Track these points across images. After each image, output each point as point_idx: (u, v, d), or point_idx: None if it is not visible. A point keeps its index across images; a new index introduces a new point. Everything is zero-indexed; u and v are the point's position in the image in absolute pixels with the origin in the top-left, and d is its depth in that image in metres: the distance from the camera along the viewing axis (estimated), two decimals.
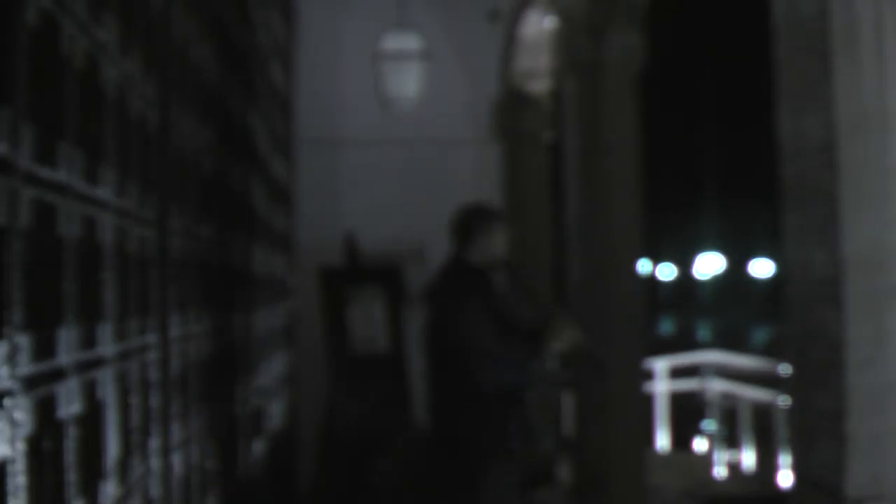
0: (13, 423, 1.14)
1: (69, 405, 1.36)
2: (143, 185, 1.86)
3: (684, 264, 35.31)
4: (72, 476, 1.36)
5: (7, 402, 1.13)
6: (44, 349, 1.26)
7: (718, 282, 34.70)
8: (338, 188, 7.26)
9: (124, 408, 1.68)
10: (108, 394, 1.58)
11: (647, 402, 7.41)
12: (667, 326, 31.09)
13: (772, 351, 12.59)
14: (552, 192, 7.36)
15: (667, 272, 36.26)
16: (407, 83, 6.39)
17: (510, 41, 7.28)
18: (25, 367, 1.19)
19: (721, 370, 8.39)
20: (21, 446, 1.16)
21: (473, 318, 3.54)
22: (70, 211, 1.38)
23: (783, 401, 6.77)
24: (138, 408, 1.79)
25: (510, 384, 3.57)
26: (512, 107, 7.39)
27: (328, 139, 7.18)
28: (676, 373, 8.86)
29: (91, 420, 1.47)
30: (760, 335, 24.85)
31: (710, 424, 8.10)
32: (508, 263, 3.89)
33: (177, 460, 2.14)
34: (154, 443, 1.93)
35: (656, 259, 33.67)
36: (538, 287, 4.20)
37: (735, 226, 30.91)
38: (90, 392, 1.47)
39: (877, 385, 2.76)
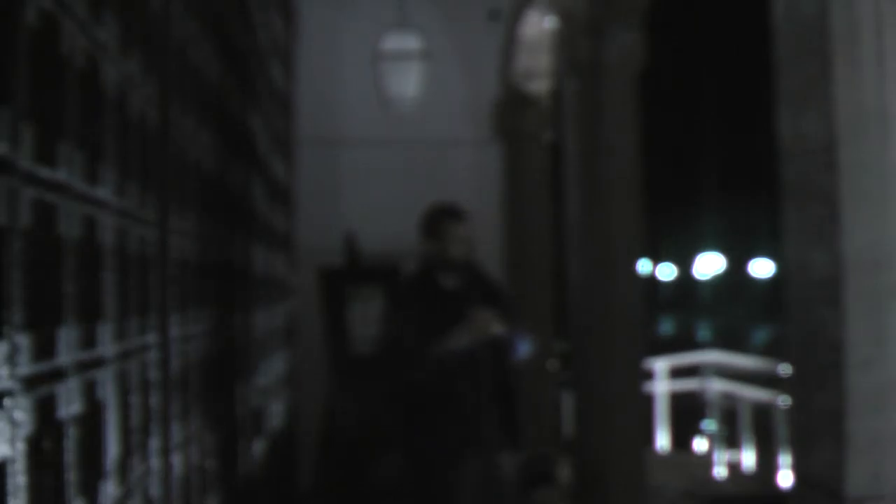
0: (13, 423, 1.14)
1: (69, 405, 1.36)
2: (143, 185, 1.86)
3: (684, 264, 35.33)
4: (72, 476, 1.36)
5: (7, 402, 1.13)
6: (44, 349, 1.26)
7: (718, 282, 34.71)
8: (338, 188, 7.26)
9: (124, 408, 1.68)
10: (108, 394, 1.58)
11: (647, 402, 7.41)
12: (667, 326, 31.10)
13: (772, 351, 12.60)
14: (552, 191, 7.36)
15: (667, 272, 36.28)
16: (407, 83, 6.39)
17: (510, 41, 7.28)
18: (25, 367, 1.19)
19: (721, 370, 8.39)
20: (21, 446, 1.16)
21: (397, 317, 3.65)
22: (70, 211, 1.38)
23: (783, 401, 6.77)
24: (138, 408, 1.79)
25: (411, 378, 3.58)
26: (512, 107, 7.39)
27: (328, 139, 7.18)
28: (676, 373, 8.86)
29: (91, 420, 1.47)
30: (760, 335, 24.86)
31: (710, 424, 8.10)
32: (467, 263, 3.80)
33: (177, 460, 2.14)
34: (154, 443, 1.93)
35: (656, 259, 33.69)
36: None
37: (735, 226, 30.93)
38: (90, 392, 1.47)
39: (877, 385, 2.76)
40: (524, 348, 3.80)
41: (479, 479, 3.56)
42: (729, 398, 8.03)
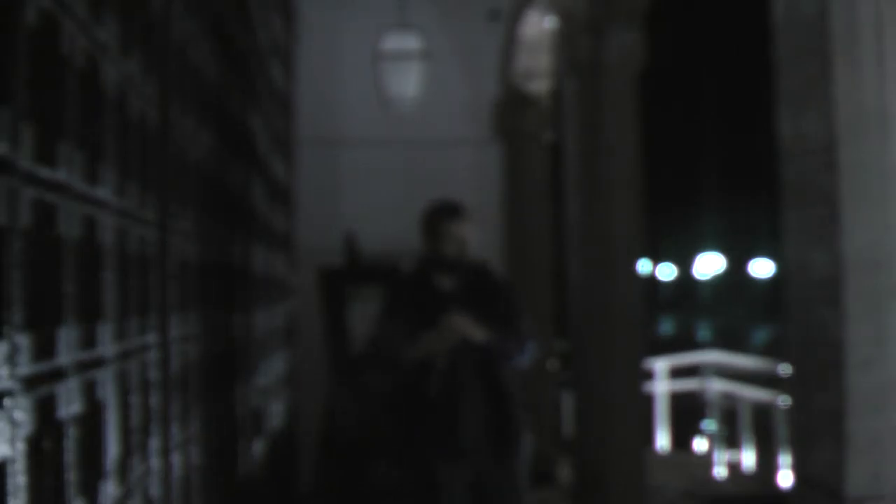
0: (13, 423, 1.14)
1: (69, 405, 1.36)
2: (143, 185, 1.86)
3: (684, 264, 35.32)
4: (72, 476, 1.36)
5: (7, 402, 1.13)
6: (44, 349, 1.26)
7: (718, 282, 34.71)
8: (338, 188, 7.26)
9: (124, 408, 1.68)
10: (108, 394, 1.58)
11: (647, 402, 7.41)
12: (667, 326, 31.10)
13: (772, 351, 12.60)
14: (552, 191, 7.36)
15: (667, 272, 36.27)
16: (407, 83, 6.39)
17: (510, 41, 7.28)
18: (25, 367, 1.19)
19: (721, 370, 8.39)
20: (21, 446, 1.16)
21: (380, 320, 3.59)
22: (70, 211, 1.38)
23: (783, 401, 6.77)
24: (138, 408, 1.79)
25: (379, 382, 3.59)
26: (512, 107, 7.39)
27: (328, 139, 7.18)
28: (676, 373, 8.86)
29: (91, 420, 1.47)
30: (760, 335, 24.86)
31: (710, 424, 8.10)
32: (468, 262, 3.61)
33: (177, 460, 2.14)
34: (154, 443, 1.93)
35: (656, 259, 33.68)
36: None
37: (735, 226, 30.93)
38: (90, 392, 1.47)
39: (877, 385, 2.76)
40: (525, 354, 3.58)
41: (466, 485, 3.45)
42: (729, 398, 8.03)
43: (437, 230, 3.59)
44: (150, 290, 1.93)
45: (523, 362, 3.61)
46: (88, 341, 1.47)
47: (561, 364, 7.46)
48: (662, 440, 8.55)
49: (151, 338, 1.92)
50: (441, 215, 3.61)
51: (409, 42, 6.37)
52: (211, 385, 2.63)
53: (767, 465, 7.26)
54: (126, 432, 1.69)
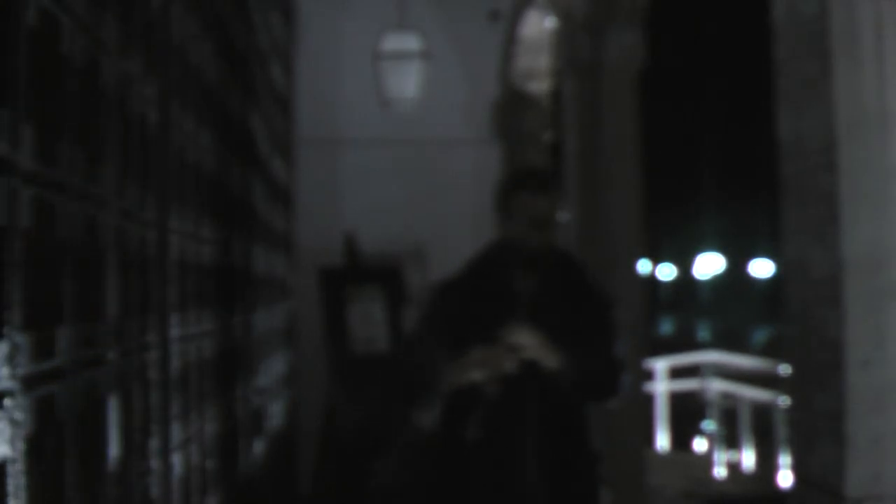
0: (13, 423, 1.14)
1: (69, 405, 1.36)
2: (143, 185, 1.86)
3: (684, 264, 35.30)
4: (72, 476, 1.36)
5: (7, 402, 1.12)
6: (44, 349, 1.26)
7: (718, 282, 34.70)
8: (338, 188, 7.26)
9: (124, 408, 1.68)
10: (108, 394, 1.58)
11: (647, 402, 7.41)
12: (667, 326, 31.09)
13: (771, 351, 12.59)
14: None
15: (667, 272, 36.25)
16: (407, 83, 6.39)
17: (510, 41, 7.28)
18: (25, 367, 1.19)
19: (721, 370, 8.39)
20: (21, 446, 1.16)
21: (412, 338, 2.76)
22: (70, 211, 1.38)
23: (783, 401, 6.77)
24: (138, 408, 1.79)
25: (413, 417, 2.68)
26: (512, 107, 7.39)
27: (328, 139, 7.18)
28: (676, 373, 8.86)
29: (91, 420, 1.47)
30: (760, 335, 24.85)
31: (710, 424, 8.10)
32: (550, 252, 2.60)
33: (177, 460, 2.14)
34: (154, 443, 1.93)
35: (656, 259, 33.65)
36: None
37: (735, 226, 30.91)
38: (90, 392, 1.47)
39: (877, 385, 2.76)
40: (616, 389, 2.66)
41: None
42: (729, 398, 8.03)
43: (508, 206, 2.56)
44: (150, 290, 1.93)
45: (612, 400, 2.73)
46: (88, 341, 1.46)
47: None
48: (662, 440, 8.55)
49: (151, 338, 1.92)
50: (516, 186, 2.58)
51: (408, 42, 6.37)
52: (211, 385, 2.63)
53: (767, 465, 7.26)
54: (126, 432, 1.69)
